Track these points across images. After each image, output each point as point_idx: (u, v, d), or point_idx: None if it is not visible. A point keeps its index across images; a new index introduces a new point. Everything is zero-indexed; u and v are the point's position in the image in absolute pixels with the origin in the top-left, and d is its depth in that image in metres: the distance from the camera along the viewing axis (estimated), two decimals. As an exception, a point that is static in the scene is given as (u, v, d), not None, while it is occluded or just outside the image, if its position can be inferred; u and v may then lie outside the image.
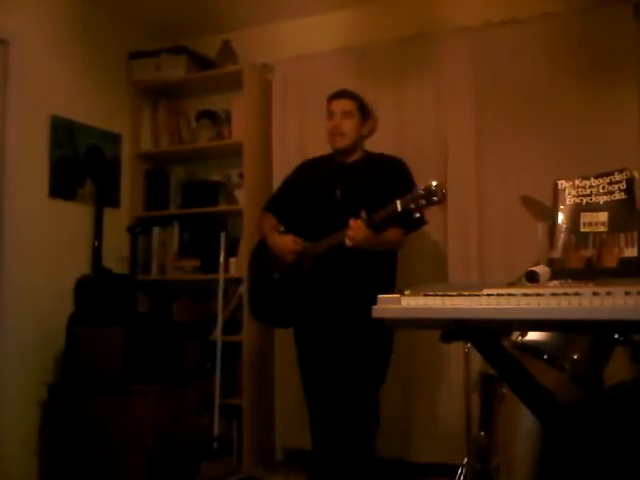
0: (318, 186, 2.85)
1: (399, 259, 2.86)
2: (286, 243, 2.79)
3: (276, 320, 2.97)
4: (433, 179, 2.42)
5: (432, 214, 2.76)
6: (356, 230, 2.50)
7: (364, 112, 2.84)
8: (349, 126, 2.80)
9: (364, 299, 1.41)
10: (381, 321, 1.37)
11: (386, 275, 2.76)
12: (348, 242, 2.51)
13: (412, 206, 2.39)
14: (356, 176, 2.79)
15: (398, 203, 2.42)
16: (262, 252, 2.96)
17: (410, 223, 2.60)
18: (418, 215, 2.41)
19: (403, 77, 3.45)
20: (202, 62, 3.95)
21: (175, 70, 3.87)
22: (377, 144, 2.95)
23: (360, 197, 2.70)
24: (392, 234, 2.66)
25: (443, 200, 2.38)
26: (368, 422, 2.71)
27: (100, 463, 3.03)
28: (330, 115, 2.84)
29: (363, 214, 2.51)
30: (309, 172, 2.96)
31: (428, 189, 2.37)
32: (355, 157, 2.86)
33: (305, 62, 3.71)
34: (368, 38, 3.61)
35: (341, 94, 2.85)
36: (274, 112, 3.76)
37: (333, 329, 2.71)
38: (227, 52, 3.91)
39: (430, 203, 2.37)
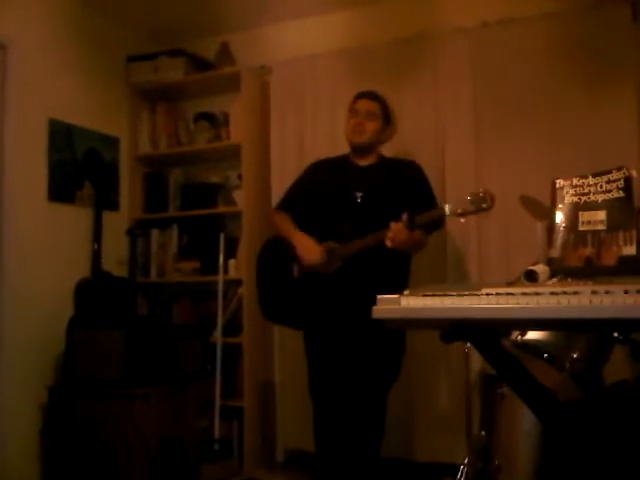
0: (335, 187, 2.82)
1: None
2: (314, 246, 2.74)
3: (291, 320, 2.89)
4: (478, 187, 2.43)
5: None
6: (397, 232, 2.48)
7: (387, 117, 2.85)
8: (371, 127, 2.80)
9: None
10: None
11: (400, 277, 2.75)
12: (389, 243, 2.50)
13: (459, 211, 2.37)
14: (373, 179, 2.79)
15: (447, 207, 2.40)
16: (275, 250, 2.90)
17: (431, 226, 2.61)
18: (463, 221, 2.41)
19: (401, 78, 3.45)
20: (200, 64, 3.96)
21: (173, 72, 3.87)
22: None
23: (380, 200, 2.70)
24: (418, 235, 2.64)
25: (492, 207, 2.34)
26: (376, 424, 2.70)
27: (101, 466, 3.03)
28: (354, 112, 2.83)
29: (405, 216, 2.48)
30: (324, 172, 2.92)
31: (476, 195, 2.34)
32: (370, 161, 2.85)
33: (303, 64, 3.70)
34: (366, 39, 3.60)
35: (368, 95, 2.85)
36: (272, 114, 3.76)
37: (347, 329, 2.68)
38: (225, 54, 3.92)
39: (479, 210, 2.34)
